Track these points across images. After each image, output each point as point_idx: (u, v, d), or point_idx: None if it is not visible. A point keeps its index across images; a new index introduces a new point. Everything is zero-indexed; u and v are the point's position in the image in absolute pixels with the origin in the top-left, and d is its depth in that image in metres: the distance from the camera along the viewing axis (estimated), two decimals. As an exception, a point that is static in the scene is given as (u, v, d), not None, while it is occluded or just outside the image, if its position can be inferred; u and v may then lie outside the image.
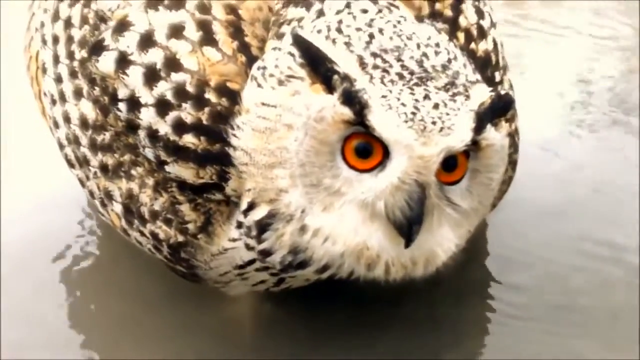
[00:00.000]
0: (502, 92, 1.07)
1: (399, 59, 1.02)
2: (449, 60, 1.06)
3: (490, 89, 1.05)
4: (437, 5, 1.20)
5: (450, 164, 1.02)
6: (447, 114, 0.98)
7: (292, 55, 1.05)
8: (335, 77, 1.00)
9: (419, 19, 1.18)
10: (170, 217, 1.17)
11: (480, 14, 1.23)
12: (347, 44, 1.04)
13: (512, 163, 1.30)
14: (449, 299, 1.50)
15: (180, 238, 1.17)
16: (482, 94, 1.02)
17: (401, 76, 1.00)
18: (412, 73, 1.01)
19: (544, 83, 2.03)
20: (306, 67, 1.03)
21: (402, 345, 1.42)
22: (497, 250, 1.59)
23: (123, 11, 1.19)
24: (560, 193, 1.71)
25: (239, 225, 1.14)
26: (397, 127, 0.97)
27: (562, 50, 2.16)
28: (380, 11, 1.13)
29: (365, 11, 1.12)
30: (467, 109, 0.99)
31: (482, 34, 1.22)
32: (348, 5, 1.13)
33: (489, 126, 1.01)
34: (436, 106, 0.98)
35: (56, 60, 1.30)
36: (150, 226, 1.20)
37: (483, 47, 1.22)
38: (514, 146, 1.29)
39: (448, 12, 1.20)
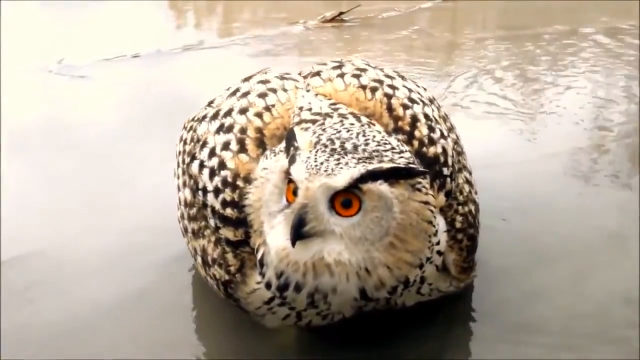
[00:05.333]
0: (412, 167, 1.64)
1: (341, 145, 1.61)
2: (377, 147, 1.63)
3: (395, 164, 1.60)
4: (399, 123, 1.81)
5: (347, 203, 1.57)
6: (340, 168, 1.55)
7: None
8: (292, 148, 1.60)
9: (388, 132, 1.78)
10: (221, 262, 1.79)
11: (431, 129, 1.82)
12: (318, 137, 1.64)
13: (469, 236, 1.83)
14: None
15: (226, 277, 1.78)
16: (377, 166, 1.57)
17: (333, 149, 1.60)
18: (343, 149, 1.60)
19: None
20: (285, 143, 1.65)
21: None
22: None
23: (205, 135, 1.87)
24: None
25: (259, 272, 1.72)
26: (300, 171, 1.56)
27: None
28: (362, 125, 1.74)
29: (351, 124, 1.74)
30: (352, 170, 1.55)
31: (432, 142, 1.80)
32: (341, 122, 1.76)
33: (378, 182, 1.56)
34: (337, 165, 1.56)
35: (178, 165, 2.01)
36: (211, 269, 1.82)
37: (433, 150, 1.79)
38: (467, 222, 1.82)
39: (406, 128, 1.80)
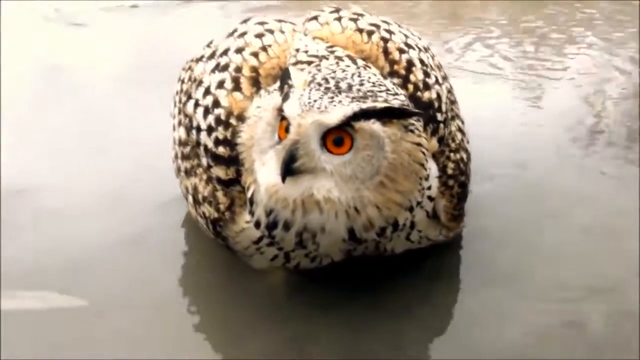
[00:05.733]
0: (406, 107, 1.66)
1: (336, 84, 1.61)
2: (372, 88, 1.63)
3: (390, 104, 1.61)
4: (395, 67, 1.82)
5: (339, 141, 1.57)
6: (333, 106, 1.55)
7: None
8: (286, 86, 1.60)
9: (383, 76, 1.78)
10: (211, 200, 1.80)
11: (426, 74, 1.83)
12: (313, 76, 1.64)
13: (460, 183, 1.84)
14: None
15: (215, 215, 1.79)
16: (372, 104, 1.57)
17: (327, 88, 1.59)
18: (338, 88, 1.59)
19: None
20: (280, 81, 1.66)
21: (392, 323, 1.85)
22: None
23: (202, 75, 1.87)
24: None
25: (249, 211, 1.73)
26: (292, 109, 1.56)
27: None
28: (358, 67, 1.76)
29: (347, 66, 1.75)
30: (345, 107, 1.55)
31: (427, 87, 1.81)
32: (337, 64, 1.76)
33: (371, 121, 1.56)
34: (331, 102, 1.56)
35: (174, 104, 2.02)
36: (201, 208, 1.83)
37: (427, 95, 1.80)
38: (459, 169, 1.84)
39: (402, 72, 1.81)
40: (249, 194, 1.72)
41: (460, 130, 1.94)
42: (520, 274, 1.96)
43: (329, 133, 1.57)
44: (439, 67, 1.97)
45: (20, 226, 2.15)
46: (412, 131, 1.65)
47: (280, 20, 1.97)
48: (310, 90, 1.59)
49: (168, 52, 3.02)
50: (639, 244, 2.03)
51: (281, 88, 1.63)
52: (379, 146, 1.60)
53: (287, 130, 1.59)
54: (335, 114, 1.55)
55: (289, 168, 1.56)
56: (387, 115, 1.60)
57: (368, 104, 1.57)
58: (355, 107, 1.56)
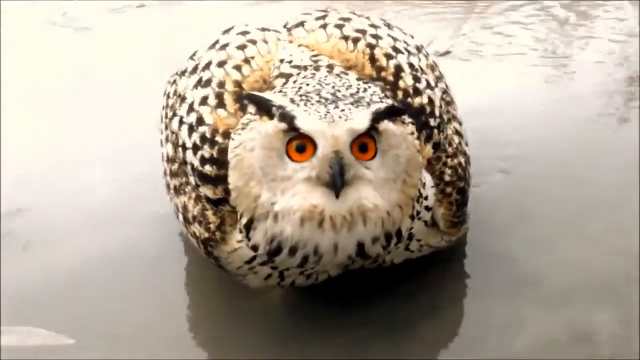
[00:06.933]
0: (397, 105, 1.65)
1: (318, 95, 1.59)
2: (357, 93, 1.62)
3: (388, 103, 1.62)
4: (383, 74, 1.76)
5: (363, 147, 1.55)
6: (350, 112, 1.53)
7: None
8: (274, 108, 1.56)
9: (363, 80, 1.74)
10: (201, 219, 1.74)
11: (416, 79, 1.77)
12: (284, 94, 1.63)
13: (458, 190, 1.78)
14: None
15: (206, 234, 1.74)
16: (379, 106, 1.56)
17: (318, 101, 1.56)
18: (326, 99, 1.57)
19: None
20: (255, 109, 1.62)
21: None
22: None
23: (185, 91, 1.82)
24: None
25: (240, 230, 1.68)
26: (315, 123, 1.52)
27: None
28: (337, 77, 1.71)
29: (325, 76, 1.71)
30: (366, 111, 1.54)
31: (417, 92, 1.75)
32: (312, 75, 1.72)
33: (386, 121, 1.56)
34: (342, 110, 1.53)
35: (161, 119, 1.97)
36: (192, 227, 1.78)
37: (418, 101, 1.74)
38: (457, 175, 1.78)
39: (390, 78, 1.76)
40: (243, 221, 1.65)
41: (457, 133, 1.87)
42: (526, 277, 1.89)
43: (354, 141, 1.55)
44: (433, 67, 1.91)
45: (16, 250, 2.14)
46: (403, 122, 1.65)
47: (263, 29, 1.90)
48: (305, 104, 1.57)
49: (178, 52, 2.97)
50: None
51: (264, 111, 1.59)
52: (399, 144, 1.59)
53: (299, 149, 1.55)
54: (362, 118, 1.54)
55: (343, 180, 1.53)
56: (395, 113, 1.61)
57: (385, 104, 1.59)
58: (376, 108, 1.56)
